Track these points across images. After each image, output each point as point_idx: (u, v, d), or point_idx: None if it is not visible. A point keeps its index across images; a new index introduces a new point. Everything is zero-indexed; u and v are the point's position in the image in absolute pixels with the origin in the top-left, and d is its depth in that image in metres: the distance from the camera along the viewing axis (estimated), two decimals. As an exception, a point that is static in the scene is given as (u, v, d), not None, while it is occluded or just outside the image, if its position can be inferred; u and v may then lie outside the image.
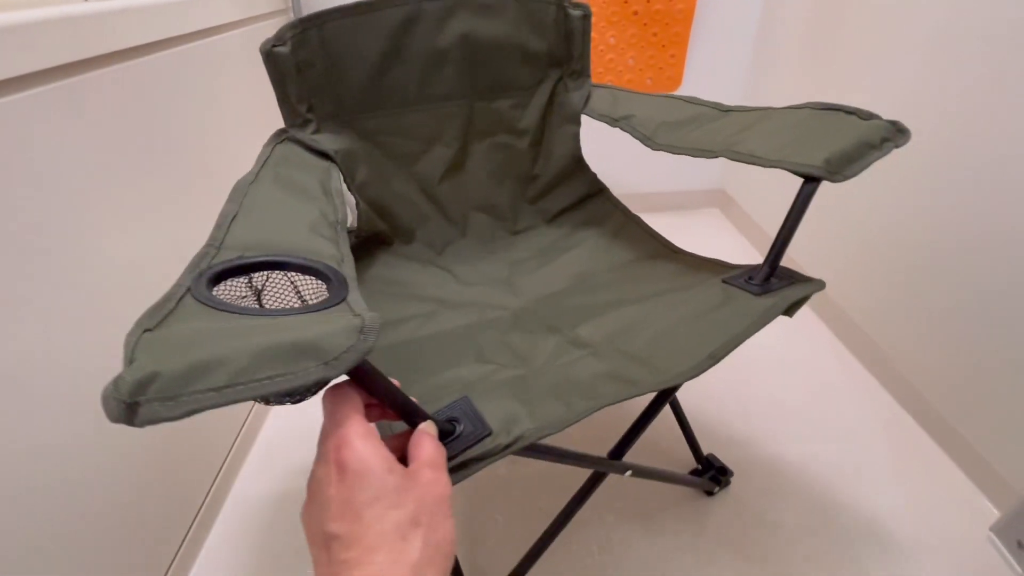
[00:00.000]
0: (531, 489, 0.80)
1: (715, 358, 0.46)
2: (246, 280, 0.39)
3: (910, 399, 0.90)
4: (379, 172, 0.68)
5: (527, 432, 0.39)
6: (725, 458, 0.77)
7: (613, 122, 0.69)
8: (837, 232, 1.06)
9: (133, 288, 0.64)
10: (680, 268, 0.64)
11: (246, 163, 0.88)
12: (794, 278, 0.53)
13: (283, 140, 0.58)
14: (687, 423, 0.75)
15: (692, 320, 0.52)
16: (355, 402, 0.31)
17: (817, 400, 0.93)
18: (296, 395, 0.29)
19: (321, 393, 0.31)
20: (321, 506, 0.29)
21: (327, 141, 0.60)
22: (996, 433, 0.75)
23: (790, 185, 0.53)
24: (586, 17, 0.70)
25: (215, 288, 0.37)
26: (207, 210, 0.76)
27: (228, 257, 0.40)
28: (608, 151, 1.32)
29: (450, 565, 0.30)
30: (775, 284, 0.53)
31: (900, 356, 0.90)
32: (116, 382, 0.25)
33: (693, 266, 0.64)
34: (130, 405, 0.24)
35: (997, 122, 0.73)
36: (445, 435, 0.39)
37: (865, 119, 0.54)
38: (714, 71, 1.28)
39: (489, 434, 0.38)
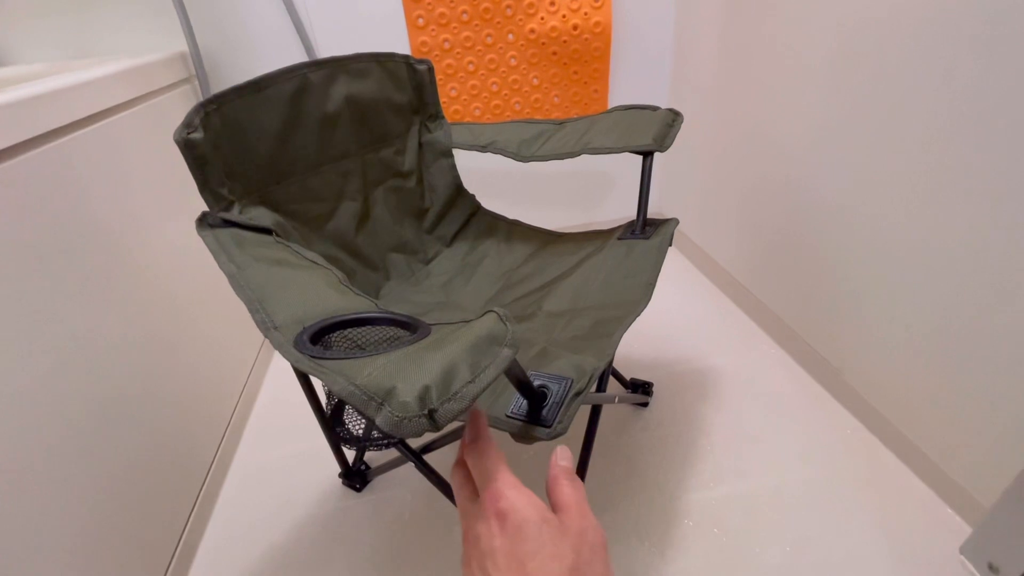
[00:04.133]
0: (539, 460, 0.89)
1: (652, 284, 0.65)
2: (335, 335, 0.41)
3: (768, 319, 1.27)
4: (302, 239, 0.68)
5: (595, 369, 0.50)
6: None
7: (482, 149, 0.84)
8: (682, 190, 1.38)
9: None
10: (577, 243, 0.82)
11: (159, 248, 0.84)
12: (658, 222, 0.77)
13: (217, 226, 0.55)
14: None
15: (618, 269, 0.70)
16: (499, 455, 0.33)
17: (694, 326, 1.21)
18: (396, 437, 0.31)
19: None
20: (485, 556, 0.30)
21: (260, 217, 0.59)
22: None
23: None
24: (430, 70, 0.83)
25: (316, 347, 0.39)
26: (121, 304, 0.73)
27: (291, 332, 0.41)
28: (544, 191, 1.46)
29: None
30: (651, 230, 0.75)
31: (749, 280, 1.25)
32: (401, 407, 0.29)
33: (585, 238, 0.83)
34: (429, 414, 0.29)
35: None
36: (544, 397, 0.48)
37: (654, 110, 0.81)
38: (637, 101, 1.24)
39: (572, 380, 0.49)
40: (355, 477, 0.87)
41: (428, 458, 0.71)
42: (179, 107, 0.98)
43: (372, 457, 0.91)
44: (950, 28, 0.67)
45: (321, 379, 0.33)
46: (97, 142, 0.72)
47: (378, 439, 0.56)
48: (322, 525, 0.83)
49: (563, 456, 0.35)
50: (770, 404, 0.98)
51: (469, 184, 0.91)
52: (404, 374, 0.31)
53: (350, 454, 0.89)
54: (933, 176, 0.73)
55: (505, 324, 0.38)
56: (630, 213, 0.77)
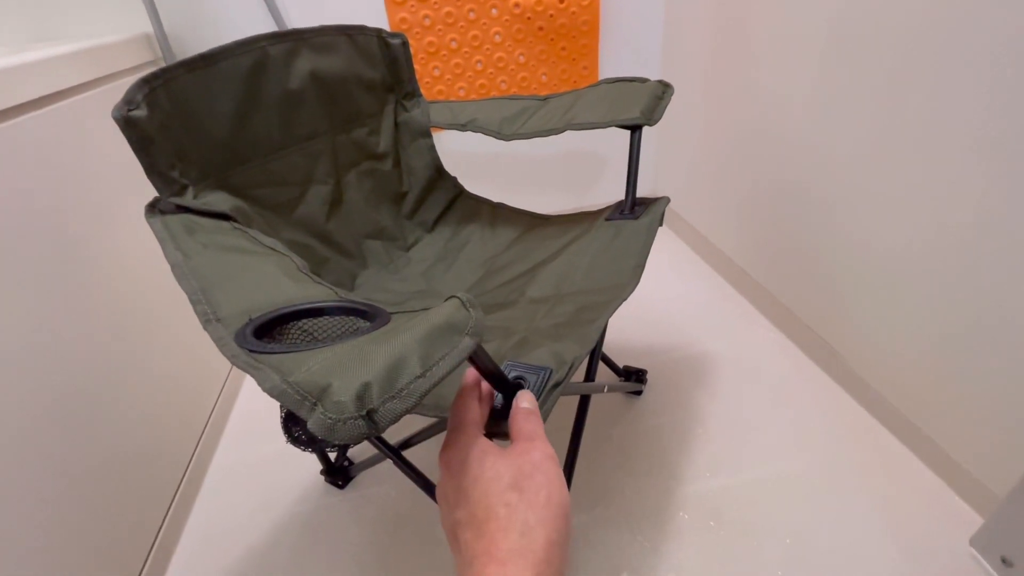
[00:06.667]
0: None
1: (640, 266, 0.61)
2: (289, 327, 0.37)
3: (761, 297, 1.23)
4: (268, 226, 0.64)
5: (575, 357, 0.47)
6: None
7: (462, 128, 0.79)
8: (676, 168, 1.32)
9: None
10: (563, 225, 0.78)
11: (128, 238, 0.79)
12: (648, 201, 0.73)
13: (169, 212, 0.51)
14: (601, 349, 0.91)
15: (605, 251, 0.66)
16: (463, 408, 0.34)
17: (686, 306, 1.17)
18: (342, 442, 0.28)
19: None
20: (444, 500, 0.33)
21: (217, 203, 0.55)
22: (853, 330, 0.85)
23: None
24: (404, 44, 0.78)
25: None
26: (81, 300, 0.69)
27: (236, 324, 0.38)
28: (533, 173, 1.41)
29: (563, 520, 0.30)
30: (640, 209, 0.71)
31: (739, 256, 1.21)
32: (335, 407, 0.25)
33: (572, 220, 0.78)
34: (368, 415, 0.25)
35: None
36: (521, 388, 0.44)
37: (643, 82, 0.76)
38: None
39: (551, 370, 0.45)
40: (338, 474, 0.83)
41: (408, 453, 0.67)
42: (145, 91, 0.93)
43: (355, 453, 0.88)
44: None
45: (254, 377, 0.29)
46: (48, 126, 0.67)
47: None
48: (304, 524, 0.80)
49: (524, 399, 0.37)
50: (769, 390, 0.94)
51: (452, 166, 0.87)
52: (343, 370, 0.27)
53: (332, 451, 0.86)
54: (941, 150, 0.68)
55: (468, 310, 0.34)
56: (623, 195, 0.73)
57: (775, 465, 0.81)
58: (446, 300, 0.35)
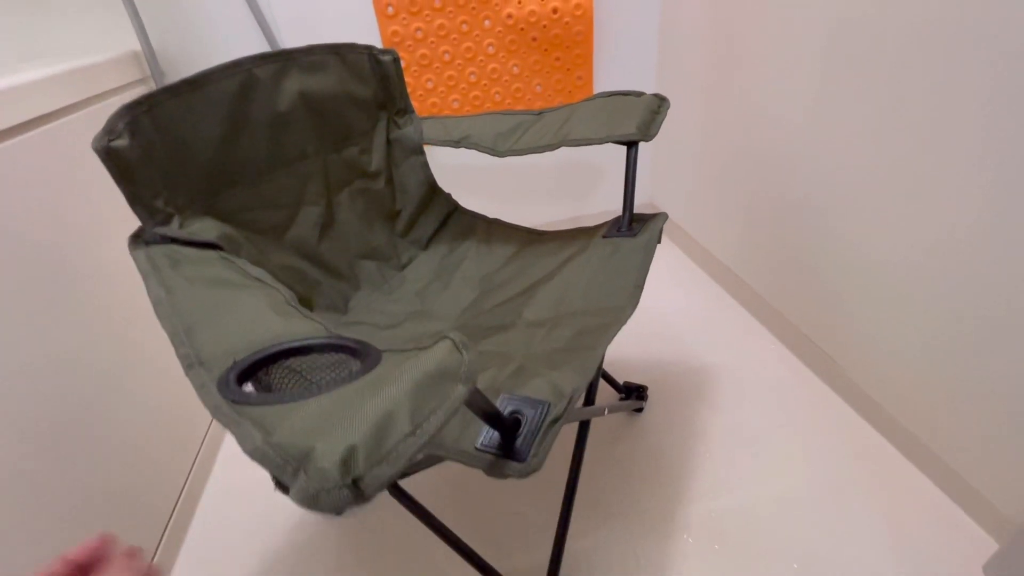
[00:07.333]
0: (532, 479, 0.82)
1: (639, 286, 0.60)
2: (275, 367, 0.35)
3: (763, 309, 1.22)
4: (257, 251, 0.62)
5: (574, 389, 0.45)
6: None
7: (456, 144, 0.78)
8: (674, 178, 1.33)
9: None
10: (560, 242, 0.77)
11: (112, 261, 0.77)
12: (646, 217, 0.71)
13: (154, 242, 0.49)
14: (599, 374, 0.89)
15: (602, 270, 0.65)
16: None
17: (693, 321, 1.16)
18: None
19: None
20: None
21: (204, 231, 0.54)
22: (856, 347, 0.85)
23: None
24: (395, 61, 0.77)
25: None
26: (67, 324, 0.67)
27: (219, 367, 0.36)
28: (527, 185, 1.40)
29: None
30: (638, 226, 0.70)
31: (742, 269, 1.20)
32: (319, 474, 0.23)
33: (569, 237, 0.77)
34: (353, 484, 0.24)
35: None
36: (519, 424, 0.42)
37: (639, 96, 0.75)
38: (623, 86, 1.25)
39: (550, 404, 0.44)
40: (334, 499, 0.82)
41: (404, 482, 0.66)
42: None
43: (352, 476, 0.86)
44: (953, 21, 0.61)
45: (234, 435, 0.28)
46: (35, 149, 0.66)
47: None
48: (300, 550, 0.78)
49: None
50: (771, 403, 0.92)
51: (445, 182, 0.85)
52: (327, 429, 0.26)
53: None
54: (940, 160, 0.67)
55: (461, 353, 0.32)
56: (620, 205, 0.71)
57: (779, 483, 0.79)
58: (437, 342, 0.34)
